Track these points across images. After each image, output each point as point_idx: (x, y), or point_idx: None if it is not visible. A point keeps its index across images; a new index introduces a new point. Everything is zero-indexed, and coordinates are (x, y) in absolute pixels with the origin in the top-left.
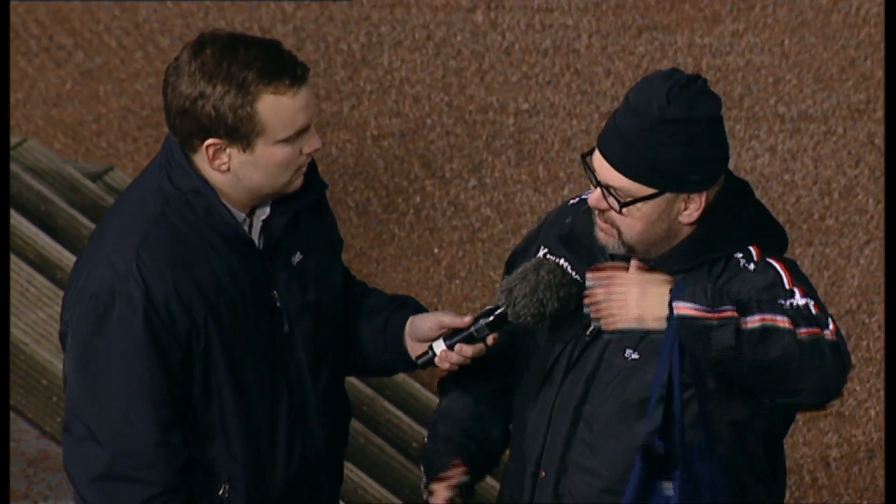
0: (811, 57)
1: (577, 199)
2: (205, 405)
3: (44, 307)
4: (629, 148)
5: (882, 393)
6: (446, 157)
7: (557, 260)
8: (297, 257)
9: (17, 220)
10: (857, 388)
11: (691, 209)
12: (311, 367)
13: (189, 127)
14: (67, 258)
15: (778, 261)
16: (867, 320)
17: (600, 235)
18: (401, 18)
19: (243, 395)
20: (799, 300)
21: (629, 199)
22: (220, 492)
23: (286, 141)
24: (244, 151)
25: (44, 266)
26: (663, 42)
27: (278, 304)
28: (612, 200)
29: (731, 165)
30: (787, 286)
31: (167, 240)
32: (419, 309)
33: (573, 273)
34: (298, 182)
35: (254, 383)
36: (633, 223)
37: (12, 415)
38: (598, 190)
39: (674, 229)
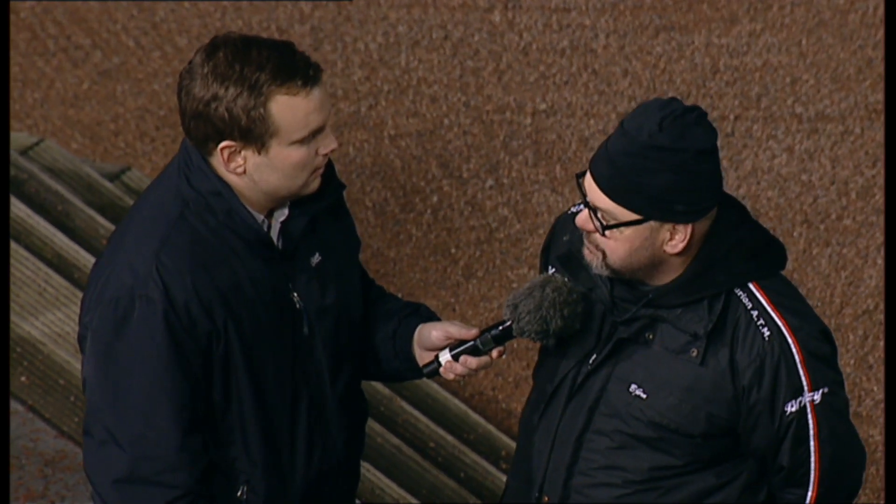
0: (829, 57)
1: (576, 207)
2: (224, 408)
3: (61, 307)
4: (616, 171)
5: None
6: (463, 157)
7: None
8: (316, 259)
9: (35, 221)
10: (875, 389)
11: (676, 240)
12: (331, 369)
13: (204, 130)
14: (85, 258)
15: (783, 320)
16: (885, 320)
17: (586, 253)
18: (418, 18)
19: (263, 398)
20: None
21: (613, 223)
22: (239, 493)
23: (301, 142)
24: (259, 153)
25: (61, 266)
26: (681, 42)
27: (298, 306)
28: (597, 222)
29: (748, 166)
30: (802, 378)
31: (187, 243)
32: (430, 317)
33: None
34: (315, 184)
35: (273, 386)
36: (616, 247)
37: (30, 414)
38: (586, 210)
39: (658, 258)
